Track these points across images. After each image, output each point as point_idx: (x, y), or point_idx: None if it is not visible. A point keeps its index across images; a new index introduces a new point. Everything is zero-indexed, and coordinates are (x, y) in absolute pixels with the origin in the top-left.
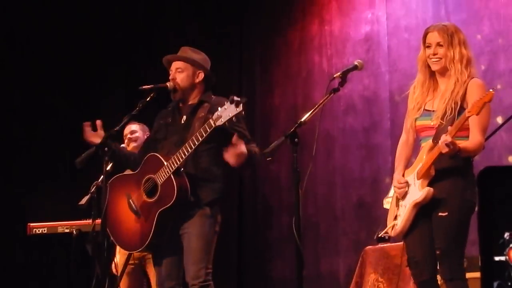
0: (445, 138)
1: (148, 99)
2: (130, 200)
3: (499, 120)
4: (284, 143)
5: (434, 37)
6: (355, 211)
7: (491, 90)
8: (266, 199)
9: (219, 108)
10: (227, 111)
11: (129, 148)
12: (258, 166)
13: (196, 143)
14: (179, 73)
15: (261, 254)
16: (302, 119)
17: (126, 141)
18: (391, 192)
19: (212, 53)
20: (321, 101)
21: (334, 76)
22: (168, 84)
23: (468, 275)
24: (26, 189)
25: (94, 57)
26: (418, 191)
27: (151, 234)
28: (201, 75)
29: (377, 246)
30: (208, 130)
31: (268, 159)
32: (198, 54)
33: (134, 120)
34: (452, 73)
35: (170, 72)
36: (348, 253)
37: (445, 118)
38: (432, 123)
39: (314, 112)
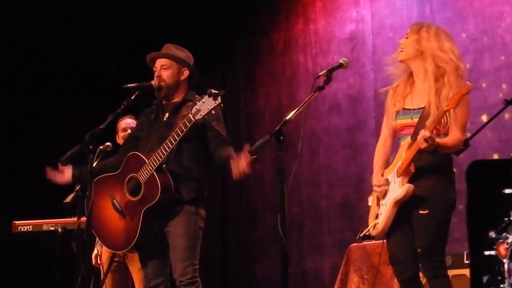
0: (423, 133)
1: (133, 97)
2: (114, 201)
3: (484, 118)
4: (269, 141)
5: (408, 31)
6: (339, 210)
7: (468, 82)
8: (250, 199)
9: (198, 102)
10: (205, 105)
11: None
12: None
13: (177, 138)
14: (164, 70)
15: (245, 253)
16: (287, 117)
17: (121, 134)
18: None
19: (196, 54)
20: (306, 99)
21: (319, 74)
22: (153, 82)
23: (454, 271)
24: (11, 187)
25: (76, 55)
26: (398, 189)
27: (137, 233)
28: (186, 73)
29: (361, 244)
30: (188, 124)
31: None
32: (182, 51)
33: (130, 115)
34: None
35: (155, 70)
36: (332, 251)
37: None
38: (412, 121)
39: (299, 111)
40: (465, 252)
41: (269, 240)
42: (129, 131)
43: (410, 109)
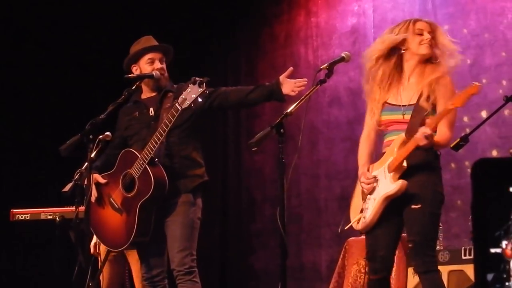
0: (424, 130)
1: (133, 87)
2: (111, 199)
3: (484, 114)
4: (270, 134)
5: (425, 26)
6: (338, 203)
7: (476, 83)
8: (250, 191)
9: (183, 92)
10: (191, 93)
11: None
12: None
13: (166, 129)
14: (163, 63)
15: (244, 244)
16: (288, 110)
17: None
18: None
19: (197, 45)
20: (307, 93)
21: (321, 67)
22: (154, 73)
23: (452, 267)
24: (10, 175)
25: (77, 44)
26: (390, 184)
27: (135, 228)
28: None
29: (360, 237)
30: (175, 114)
31: (253, 149)
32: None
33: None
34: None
35: (150, 62)
36: (330, 244)
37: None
38: (404, 118)
39: (300, 104)
40: (463, 248)
41: (267, 232)
42: None
43: (399, 105)
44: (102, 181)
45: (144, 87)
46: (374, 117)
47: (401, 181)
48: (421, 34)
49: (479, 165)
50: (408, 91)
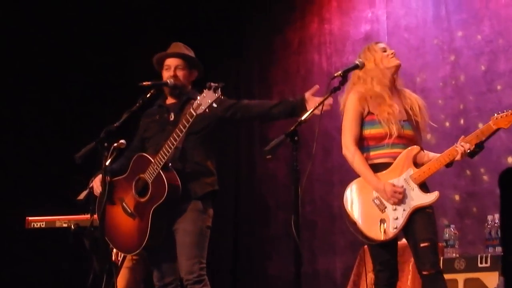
0: (467, 146)
1: (148, 95)
2: (124, 204)
3: None
4: (284, 141)
5: (386, 44)
6: None
7: None
8: (263, 196)
9: (198, 97)
10: (206, 98)
11: None
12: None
13: (180, 134)
14: (179, 70)
15: (257, 250)
16: (302, 118)
17: None
18: None
19: (211, 51)
20: (321, 100)
21: (335, 74)
22: (168, 80)
23: (467, 275)
24: (25, 183)
25: (90, 51)
26: (422, 195)
27: (147, 233)
28: (195, 74)
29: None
30: (190, 119)
31: (268, 157)
32: (190, 51)
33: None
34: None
35: (167, 68)
36: (345, 251)
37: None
38: (403, 132)
39: (314, 111)
40: (479, 255)
41: (281, 238)
42: None
43: (400, 120)
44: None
45: (166, 93)
46: (358, 129)
47: (437, 192)
48: (385, 51)
49: (508, 174)
50: (401, 105)
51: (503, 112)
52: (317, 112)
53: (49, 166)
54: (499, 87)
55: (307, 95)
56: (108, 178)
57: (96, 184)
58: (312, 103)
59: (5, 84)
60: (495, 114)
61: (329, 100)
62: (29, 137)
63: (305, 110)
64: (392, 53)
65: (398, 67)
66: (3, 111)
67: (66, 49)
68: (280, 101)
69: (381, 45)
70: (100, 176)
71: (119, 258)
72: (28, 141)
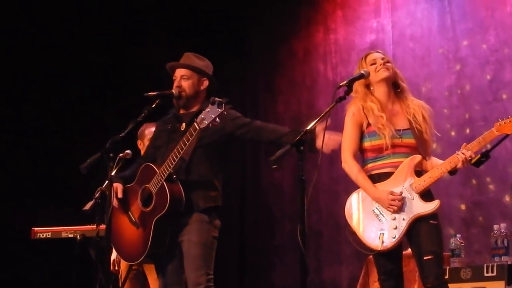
0: (469, 153)
1: (153, 105)
2: (129, 212)
3: None
4: (290, 151)
5: (376, 55)
6: None
7: None
8: (269, 206)
9: (203, 111)
10: (210, 113)
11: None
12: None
13: (184, 147)
14: (184, 80)
15: (263, 260)
16: (308, 128)
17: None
18: None
19: (215, 61)
20: (327, 110)
21: (341, 84)
22: (173, 91)
23: (473, 284)
24: (31, 194)
25: (98, 63)
26: (423, 204)
27: (149, 243)
28: (206, 83)
29: None
30: (194, 133)
31: (273, 167)
32: (202, 60)
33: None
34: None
35: (175, 79)
36: (351, 261)
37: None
38: (402, 141)
39: (319, 121)
40: (485, 265)
41: (287, 247)
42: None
43: (400, 130)
44: (119, 195)
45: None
46: (358, 140)
47: (437, 201)
48: (374, 64)
49: None
50: (399, 115)
51: (507, 118)
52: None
53: (54, 176)
54: (504, 96)
55: (318, 129)
56: (122, 186)
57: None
58: (321, 137)
59: (6, 87)
60: (499, 120)
61: (338, 138)
62: (34, 148)
63: (314, 145)
64: (380, 65)
65: (385, 79)
66: (7, 117)
67: (66, 49)
68: (291, 130)
69: (372, 56)
70: (115, 186)
71: (116, 268)
72: (33, 152)
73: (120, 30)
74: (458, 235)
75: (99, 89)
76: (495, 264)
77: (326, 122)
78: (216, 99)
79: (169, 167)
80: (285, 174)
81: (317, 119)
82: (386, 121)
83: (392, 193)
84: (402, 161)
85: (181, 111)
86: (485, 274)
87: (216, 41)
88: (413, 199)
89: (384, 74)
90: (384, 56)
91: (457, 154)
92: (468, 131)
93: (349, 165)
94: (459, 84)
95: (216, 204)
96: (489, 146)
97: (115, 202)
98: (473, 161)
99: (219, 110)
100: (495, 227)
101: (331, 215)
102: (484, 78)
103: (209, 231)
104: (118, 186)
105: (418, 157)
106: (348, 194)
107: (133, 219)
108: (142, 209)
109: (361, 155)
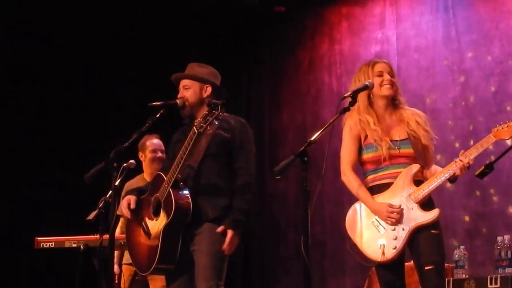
0: (467, 159)
1: (158, 115)
2: (143, 223)
3: (508, 141)
4: (294, 162)
5: (384, 67)
6: None
7: None
8: (273, 216)
9: (201, 116)
10: (207, 116)
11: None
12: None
13: (186, 152)
14: (186, 90)
15: (267, 270)
16: (312, 138)
17: (150, 155)
18: None
19: (221, 71)
20: (331, 120)
21: (345, 95)
22: (177, 101)
23: None
24: (34, 203)
25: (102, 72)
26: (422, 213)
27: (157, 254)
28: (209, 89)
29: None
30: (193, 137)
31: (277, 177)
32: (205, 68)
33: (156, 134)
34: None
35: (179, 90)
36: (355, 272)
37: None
38: (399, 152)
39: (324, 132)
40: (489, 277)
41: (291, 257)
42: (160, 153)
43: (397, 140)
44: (132, 206)
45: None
46: (356, 152)
47: (436, 210)
48: (380, 76)
49: None
50: (397, 126)
51: (505, 123)
52: None
53: (58, 186)
54: (509, 108)
55: None
56: (135, 197)
57: (124, 205)
58: None
59: (12, 93)
60: (496, 125)
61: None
62: (37, 158)
63: None
64: (387, 80)
65: (387, 97)
66: (12, 131)
67: (70, 57)
68: (235, 211)
69: (379, 67)
70: (128, 197)
71: (116, 281)
72: (37, 161)
73: (126, 39)
74: (462, 247)
75: (105, 99)
76: (499, 275)
77: (330, 133)
78: (213, 101)
79: (174, 173)
80: (289, 184)
81: (321, 130)
82: (382, 134)
83: (390, 205)
84: (401, 171)
85: (196, 121)
86: (489, 286)
87: (222, 53)
88: (412, 209)
89: (387, 92)
90: (390, 70)
91: (455, 161)
92: (472, 142)
93: (348, 177)
94: (463, 95)
95: (228, 212)
96: (493, 158)
97: (128, 214)
98: (477, 172)
99: (215, 112)
100: (499, 238)
101: (335, 226)
102: (489, 90)
103: (221, 241)
104: (131, 198)
105: (416, 167)
106: (352, 204)
107: (145, 229)
108: (153, 218)
109: (361, 167)
